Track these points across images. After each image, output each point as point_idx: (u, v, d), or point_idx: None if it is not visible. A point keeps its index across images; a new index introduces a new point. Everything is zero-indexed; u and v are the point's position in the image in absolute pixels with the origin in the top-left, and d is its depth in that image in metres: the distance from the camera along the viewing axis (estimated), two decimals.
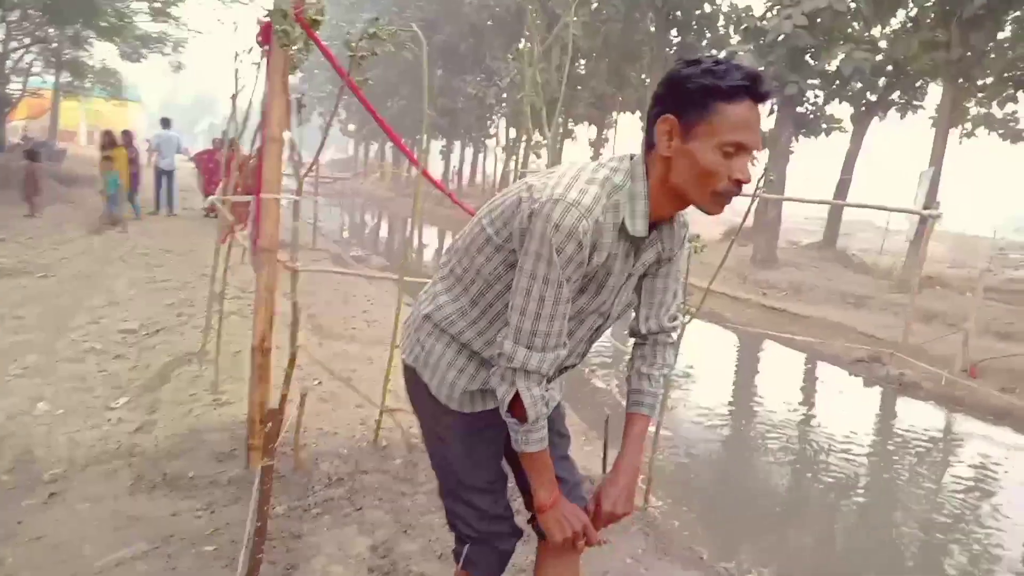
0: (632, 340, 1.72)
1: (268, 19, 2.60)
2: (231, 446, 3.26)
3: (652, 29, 19.14)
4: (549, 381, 1.51)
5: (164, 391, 4.05)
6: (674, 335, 1.71)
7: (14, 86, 19.82)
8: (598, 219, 1.33)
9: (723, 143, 1.29)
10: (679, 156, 1.34)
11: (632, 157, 1.43)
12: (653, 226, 1.45)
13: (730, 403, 7.31)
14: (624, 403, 1.71)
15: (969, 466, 6.03)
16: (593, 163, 1.44)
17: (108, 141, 11.33)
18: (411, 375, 1.63)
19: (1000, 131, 15.77)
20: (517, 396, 1.41)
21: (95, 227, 10.07)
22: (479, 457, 1.62)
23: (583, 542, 1.56)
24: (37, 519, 2.63)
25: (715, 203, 1.36)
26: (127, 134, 12.28)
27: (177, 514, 2.67)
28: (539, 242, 1.32)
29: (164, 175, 12.78)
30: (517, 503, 1.87)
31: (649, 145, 1.40)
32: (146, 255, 8.47)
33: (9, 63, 18.57)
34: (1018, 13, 12.85)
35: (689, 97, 1.31)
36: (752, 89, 1.29)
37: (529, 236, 1.34)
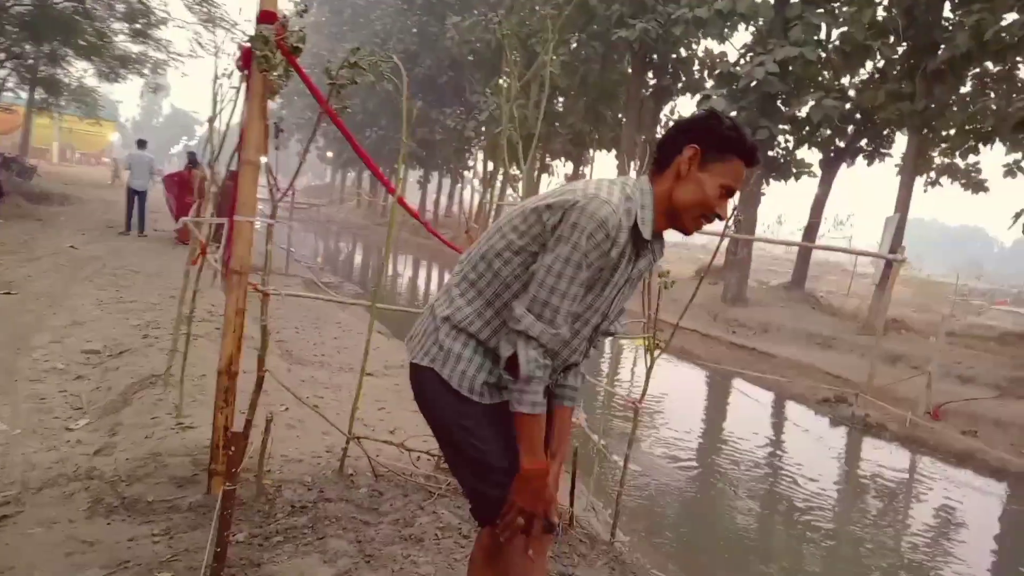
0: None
1: (248, 44, 2.63)
2: (192, 471, 3.19)
3: (629, 71, 19.55)
4: (554, 372, 1.76)
5: (126, 413, 3.97)
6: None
7: None
8: (621, 218, 1.57)
9: (724, 184, 1.64)
10: (690, 180, 1.64)
11: (639, 177, 1.72)
12: (653, 235, 1.70)
13: (698, 439, 7.34)
14: (560, 403, 1.88)
15: (932, 509, 6.11)
16: (607, 179, 1.69)
17: None
18: (428, 375, 1.72)
19: (962, 181, 16.30)
20: (515, 356, 1.60)
21: None
22: (506, 439, 1.69)
23: (538, 526, 1.68)
24: None
25: (696, 225, 1.69)
26: None
27: (134, 539, 2.60)
28: (571, 228, 1.54)
29: (136, 195, 12.65)
30: None
31: (660, 167, 1.69)
32: (114, 275, 8.34)
33: None
34: (978, 69, 13.40)
35: (716, 140, 1.63)
36: (753, 157, 1.66)
37: (562, 224, 1.56)
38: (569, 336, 1.67)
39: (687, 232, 1.72)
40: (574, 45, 19.34)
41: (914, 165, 14.25)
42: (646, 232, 1.64)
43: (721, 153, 1.62)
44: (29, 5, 16.14)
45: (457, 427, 1.72)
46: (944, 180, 16.59)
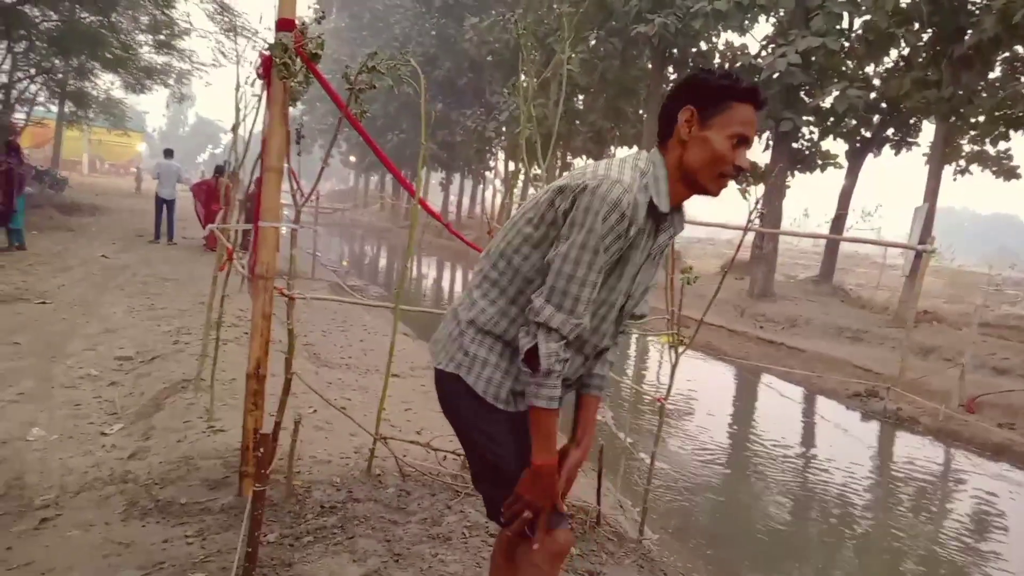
0: None
1: (268, 52, 2.67)
2: (224, 473, 3.24)
3: (648, 67, 19.43)
4: (586, 360, 1.73)
5: (158, 418, 4.04)
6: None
7: (18, 115, 20.03)
8: (636, 196, 1.53)
9: (732, 134, 1.56)
10: (695, 141, 1.58)
11: (650, 151, 1.67)
12: (671, 208, 1.65)
13: (727, 436, 7.28)
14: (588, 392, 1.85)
15: (970, 502, 6.00)
16: (617, 158, 1.65)
17: None
18: (453, 381, 1.70)
19: (993, 168, 15.94)
20: (535, 349, 1.56)
21: None
22: (527, 448, 1.66)
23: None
24: (27, 545, 2.61)
25: (718, 184, 1.61)
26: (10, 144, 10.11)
27: (168, 541, 2.65)
28: (584, 213, 1.51)
29: (164, 204, 12.87)
30: None
31: (664, 137, 1.64)
32: (144, 283, 8.49)
33: (14, 93, 18.80)
34: (1007, 54, 13.10)
35: (709, 94, 1.57)
36: (755, 97, 1.58)
37: (575, 210, 1.53)
38: (596, 323, 1.65)
39: (712, 193, 1.64)
40: (592, 42, 19.26)
41: (942, 153, 13.99)
42: (663, 205, 1.59)
43: (719, 105, 1.56)
44: (57, 21, 16.48)
45: (480, 433, 1.70)
46: (974, 168, 16.24)
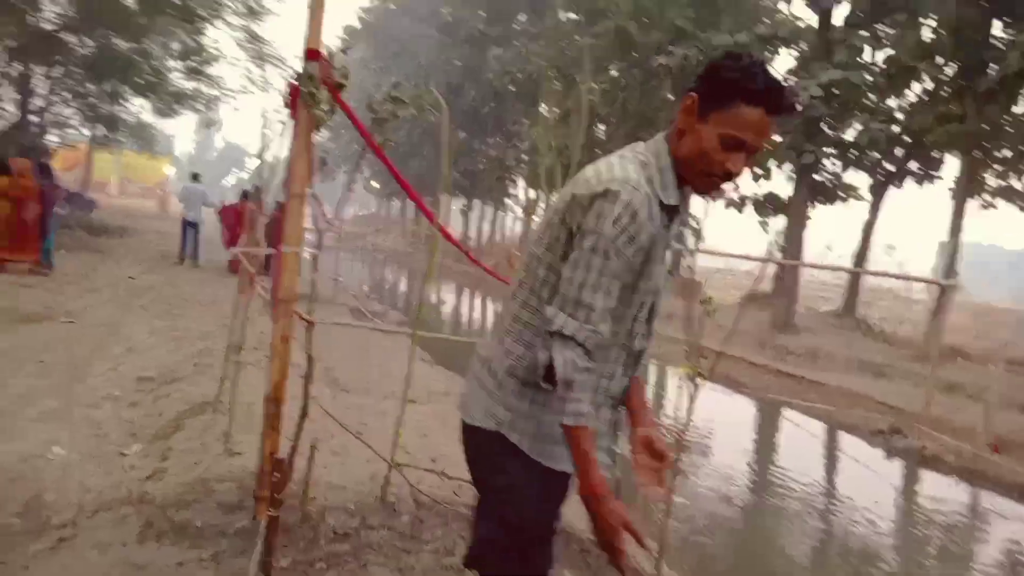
0: None
1: (296, 82, 2.72)
2: (240, 497, 3.24)
3: (669, 98, 19.53)
4: (626, 368, 1.62)
5: (177, 439, 4.07)
6: None
7: (52, 138, 20.54)
8: (646, 192, 1.45)
9: (727, 135, 1.42)
10: (689, 132, 1.48)
11: (655, 138, 1.57)
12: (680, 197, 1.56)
13: (747, 471, 7.17)
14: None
15: (997, 546, 5.84)
16: (616, 154, 1.56)
17: None
18: (491, 439, 1.57)
19: (1020, 203, 15.74)
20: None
21: None
22: (552, 511, 1.63)
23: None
24: (44, 565, 2.63)
25: (704, 184, 1.51)
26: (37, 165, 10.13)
27: (183, 564, 2.65)
28: (596, 219, 1.42)
29: (190, 227, 13.09)
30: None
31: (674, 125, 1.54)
32: (168, 304, 8.60)
33: (48, 116, 19.30)
34: None
35: (716, 85, 1.44)
36: (769, 102, 1.42)
37: (586, 218, 1.44)
38: (630, 325, 1.56)
39: (697, 191, 1.56)
40: (614, 73, 19.42)
41: (967, 188, 13.85)
42: (668, 198, 1.50)
43: (724, 100, 1.42)
44: (93, 47, 16.98)
45: (518, 496, 1.57)
46: (1000, 202, 16.04)
